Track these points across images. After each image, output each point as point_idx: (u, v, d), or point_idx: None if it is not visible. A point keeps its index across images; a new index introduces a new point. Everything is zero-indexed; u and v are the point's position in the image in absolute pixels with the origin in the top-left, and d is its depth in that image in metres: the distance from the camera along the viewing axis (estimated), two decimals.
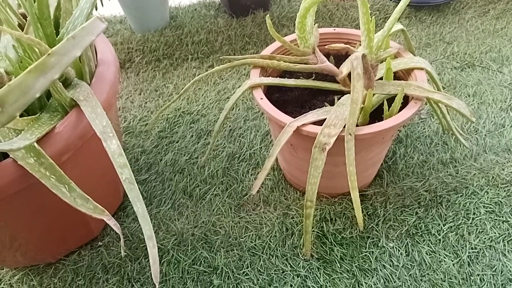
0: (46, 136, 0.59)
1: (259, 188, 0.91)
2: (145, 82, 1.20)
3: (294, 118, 0.72)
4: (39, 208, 0.67)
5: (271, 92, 0.85)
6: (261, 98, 0.76)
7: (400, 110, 0.72)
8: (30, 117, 0.61)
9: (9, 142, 0.52)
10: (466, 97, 1.09)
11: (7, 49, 0.72)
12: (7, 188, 0.56)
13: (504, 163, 0.92)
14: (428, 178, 0.90)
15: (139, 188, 0.92)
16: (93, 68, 0.71)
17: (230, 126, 1.06)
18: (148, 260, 0.80)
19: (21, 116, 0.61)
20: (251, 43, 1.30)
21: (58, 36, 0.66)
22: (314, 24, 0.80)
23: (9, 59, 0.69)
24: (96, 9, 1.29)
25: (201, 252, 0.81)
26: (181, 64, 1.26)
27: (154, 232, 0.85)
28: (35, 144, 0.56)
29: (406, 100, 0.75)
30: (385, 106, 0.72)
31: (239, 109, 1.10)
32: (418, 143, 0.98)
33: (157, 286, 0.51)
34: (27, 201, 0.64)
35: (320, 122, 0.71)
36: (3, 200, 0.58)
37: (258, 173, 0.94)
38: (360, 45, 0.80)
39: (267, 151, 0.99)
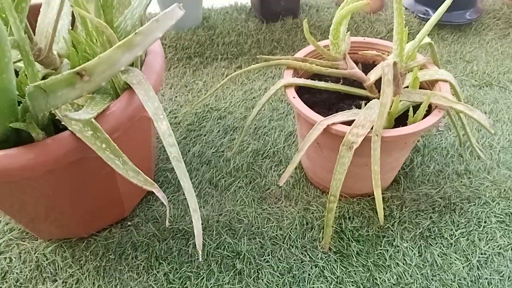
0: (100, 114, 0.65)
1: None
2: (175, 78, 1.26)
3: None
4: (85, 182, 0.73)
5: (301, 93, 0.89)
6: (294, 97, 0.82)
7: (423, 118, 0.77)
8: (87, 95, 0.67)
9: (77, 113, 0.58)
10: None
11: (60, 33, 0.78)
12: (63, 158, 0.62)
13: None
14: (443, 187, 0.95)
15: (168, 175, 0.98)
16: (143, 57, 0.76)
17: (255, 125, 1.11)
18: (175, 241, 0.86)
19: None
20: (279, 48, 1.36)
21: (116, 24, 0.71)
22: (347, 32, 0.86)
23: (65, 40, 0.76)
24: None
25: (225, 238, 0.86)
26: (211, 63, 1.31)
27: (181, 217, 0.90)
28: (92, 120, 0.62)
29: (429, 109, 0.79)
30: (410, 113, 0.77)
31: (264, 110, 1.15)
32: (435, 154, 1.03)
33: (199, 253, 0.56)
34: (76, 174, 0.69)
35: (346, 123, 0.76)
36: (58, 169, 0.63)
37: (280, 169, 0.99)
38: (389, 55, 0.86)
39: (290, 150, 1.04)
